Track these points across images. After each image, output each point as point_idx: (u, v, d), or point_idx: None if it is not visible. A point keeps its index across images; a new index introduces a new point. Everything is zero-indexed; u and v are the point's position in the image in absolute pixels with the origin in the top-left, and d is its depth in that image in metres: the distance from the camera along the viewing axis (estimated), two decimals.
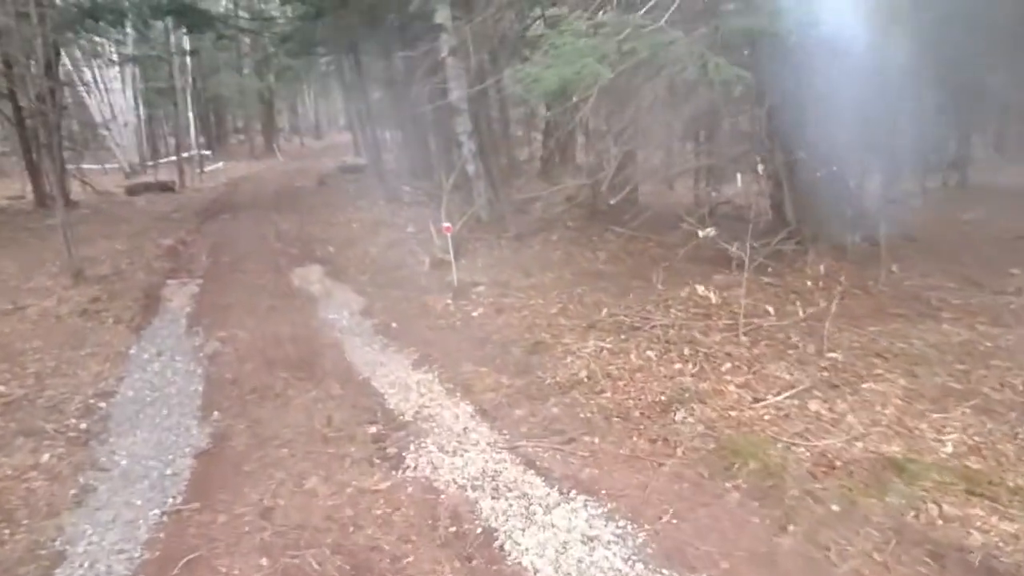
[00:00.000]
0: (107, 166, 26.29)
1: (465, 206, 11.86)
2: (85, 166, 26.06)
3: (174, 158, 24.36)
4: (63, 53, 22.17)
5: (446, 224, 8.05)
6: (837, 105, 6.73)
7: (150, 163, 27.82)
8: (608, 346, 5.69)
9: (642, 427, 4.32)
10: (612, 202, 7.97)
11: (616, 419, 4.48)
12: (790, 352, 5.09)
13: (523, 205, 12.47)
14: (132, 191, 20.69)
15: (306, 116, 47.21)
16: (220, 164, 29.26)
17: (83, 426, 5.52)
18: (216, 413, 5.52)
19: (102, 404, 5.92)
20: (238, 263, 11.45)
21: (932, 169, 10.87)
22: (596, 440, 4.26)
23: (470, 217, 11.32)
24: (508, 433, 4.57)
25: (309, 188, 21.25)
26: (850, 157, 7.01)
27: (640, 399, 4.69)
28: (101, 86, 24.68)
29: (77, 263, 10.31)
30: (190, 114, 28.87)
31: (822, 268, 6.26)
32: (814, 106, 6.69)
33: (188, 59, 27.16)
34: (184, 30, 19.35)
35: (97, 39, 19.58)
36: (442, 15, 10.76)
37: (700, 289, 5.45)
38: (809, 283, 6.38)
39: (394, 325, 7.25)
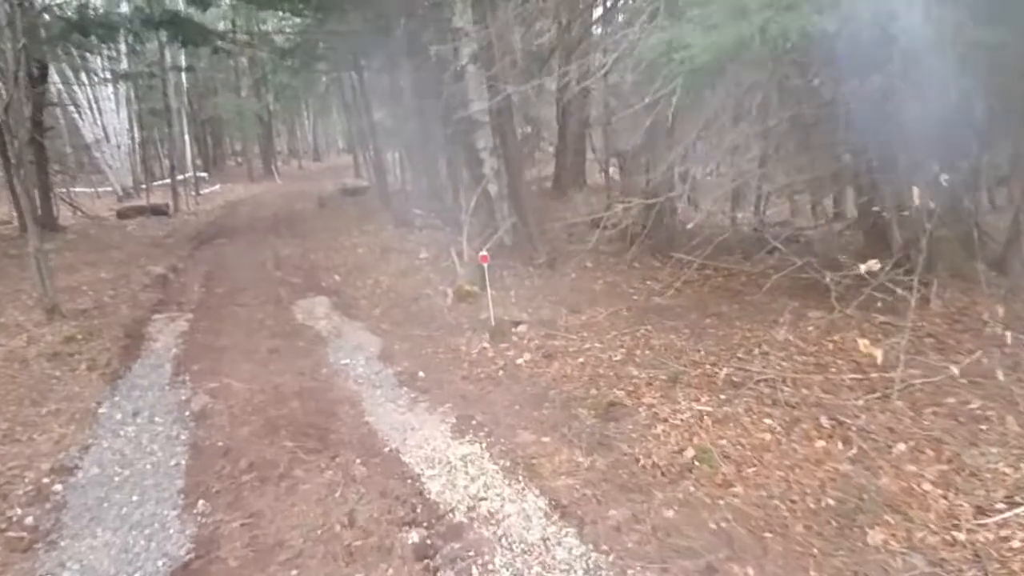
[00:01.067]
0: (100, 189, 25.00)
1: (485, 229, 10.56)
2: (79, 189, 24.84)
3: (169, 181, 23.06)
4: (53, 71, 21.01)
5: (482, 253, 6.68)
6: (951, 104, 5.48)
7: (144, 186, 26.52)
8: (707, 409, 4.36)
9: (816, 552, 2.96)
10: (689, 226, 6.65)
11: (770, 534, 3.12)
12: (982, 427, 3.74)
13: (546, 228, 11.17)
14: (123, 215, 19.37)
15: (304, 138, 46.05)
16: (217, 187, 27.97)
17: (29, 520, 4.16)
18: (202, 502, 4.15)
19: (58, 486, 4.57)
20: (234, 294, 10.11)
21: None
22: (751, 574, 2.90)
23: (494, 242, 10.04)
24: (610, 550, 3.20)
25: (309, 211, 19.96)
26: (965, 166, 5.74)
27: (794, 500, 3.33)
28: (93, 106, 23.41)
29: (52, 297, 8.93)
30: (186, 136, 27.65)
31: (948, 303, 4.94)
32: (928, 104, 5.42)
33: (184, 78, 25.99)
34: (179, 45, 18.11)
35: (89, 55, 18.24)
36: (463, 18, 9.52)
37: (862, 344, 4.09)
38: (943, 323, 5.08)
39: (421, 375, 5.89)
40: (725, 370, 4.89)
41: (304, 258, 12.76)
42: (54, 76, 21.04)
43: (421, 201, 14.93)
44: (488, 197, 10.21)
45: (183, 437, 5.15)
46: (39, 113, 16.95)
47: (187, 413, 5.59)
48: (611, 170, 16.19)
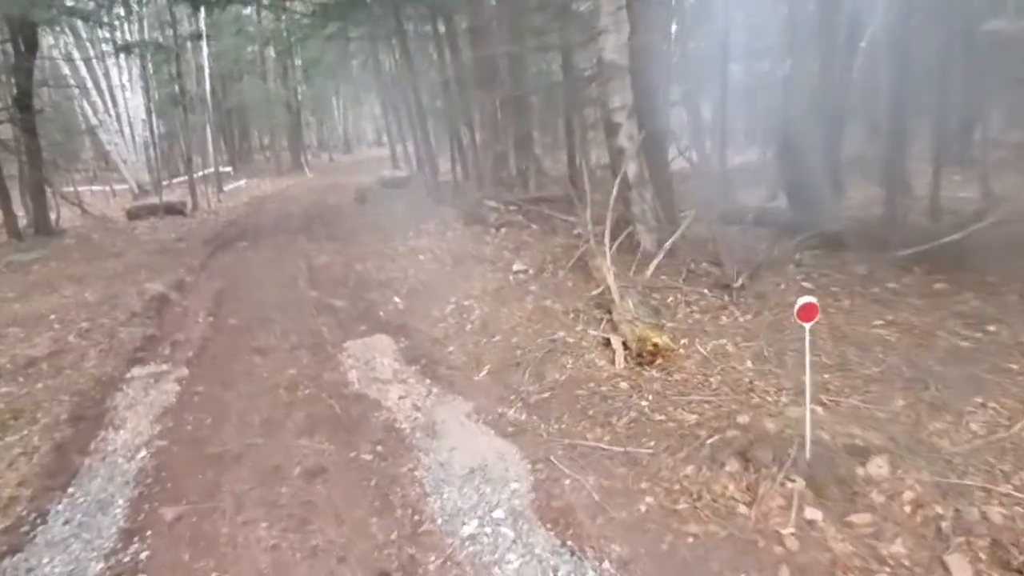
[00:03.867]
0: (117, 187, 21.79)
1: (592, 227, 7.01)
2: (95, 188, 21.66)
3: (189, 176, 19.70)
4: (57, 48, 17.73)
5: (806, 300, 2.93)
6: None
7: (165, 182, 23.26)
8: None
9: None
10: None
11: None
12: None
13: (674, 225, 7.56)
14: (134, 215, 16.10)
15: (334, 130, 42.64)
16: (242, 182, 24.63)
17: None
18: None
19: None
20: (253, 329, 6.71)
21: None
22: None
23: (622, 245, 6.48)
24: None
25: (347, 206, 16.48)
26: None
27: None
28: (105, 92, 20.13)
29: None
30: (208, 126, 24.22)
31: None
32: None
33: (206, 61, 22.53)
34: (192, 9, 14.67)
35: (86, 23, 14.83)
36: None
37: None
38: None
39: None
40: None
41: (347, 269, 9.28)
42: (52, 52, 17.82)
43: (482, 190, 11.33)
44: (625, 182, 6.62)
45: None
46: (26, 95, 13.60)
47: None
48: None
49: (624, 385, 4.00)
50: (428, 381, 4.82)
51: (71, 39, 17.87)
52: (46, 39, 16.85)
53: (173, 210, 16.33)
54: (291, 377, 5.23)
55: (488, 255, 8.56)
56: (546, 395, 4.11)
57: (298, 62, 20.35)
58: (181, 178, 22.75)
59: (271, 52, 28.51)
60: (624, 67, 6.28)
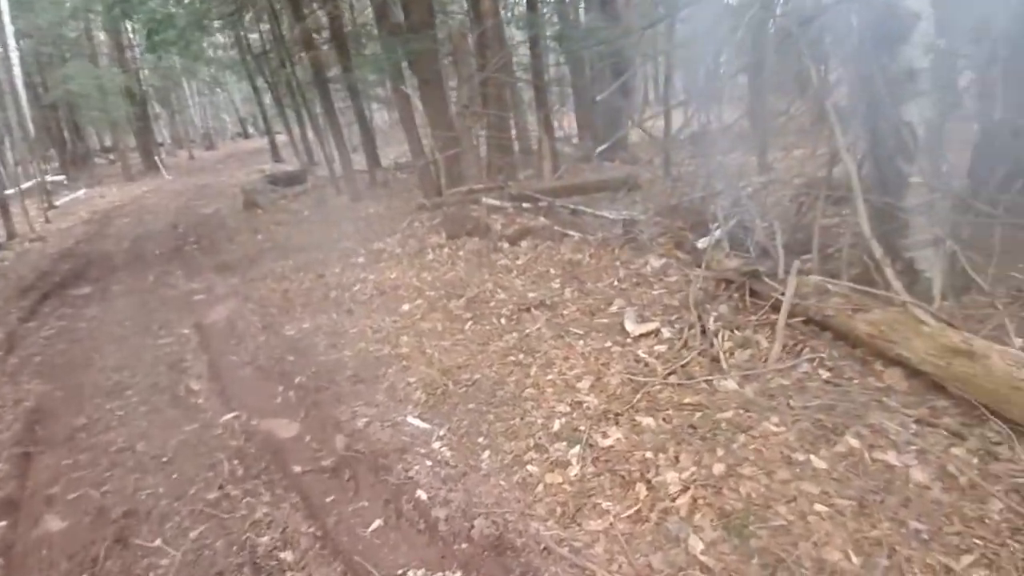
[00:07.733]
0: None
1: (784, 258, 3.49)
2: None
3: (10, 190, 13.94)
4: None
5: None
6: None
7: None
8: None
9: None
10: None
11: None
12: None
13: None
14: None
15: (191, 122, 35.73)
16: (80, 192, 18.65)
17: None
18: None
19: None
20: None
21: None
22: None
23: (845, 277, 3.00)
24: None
25: (231, 215, 11.79)
26: None
27: None
28: None
29: None
30: (29, 124, 17.96)
31: None
32: None
33: (10, 36, 16.37)
34: None
35: None
36: None
37: None
38: None
39: None
40: None
41: (271, 335, 5.15)
42: None
43: (476, 182, 7.32)
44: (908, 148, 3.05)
45: None
46: None
47: None
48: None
49: None
50: None
51: None
52: None
53: None
54: None
55: (527, 294, 4.73)
56: None
57: (138, 36, 14.92)
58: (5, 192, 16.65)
59: (99, 27, 22.17)
60: None
